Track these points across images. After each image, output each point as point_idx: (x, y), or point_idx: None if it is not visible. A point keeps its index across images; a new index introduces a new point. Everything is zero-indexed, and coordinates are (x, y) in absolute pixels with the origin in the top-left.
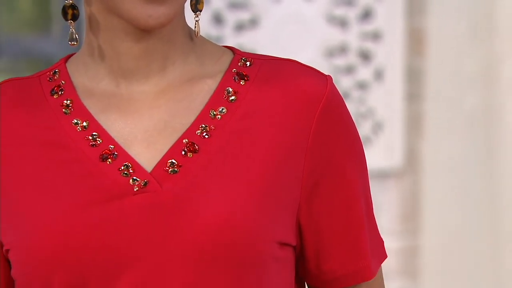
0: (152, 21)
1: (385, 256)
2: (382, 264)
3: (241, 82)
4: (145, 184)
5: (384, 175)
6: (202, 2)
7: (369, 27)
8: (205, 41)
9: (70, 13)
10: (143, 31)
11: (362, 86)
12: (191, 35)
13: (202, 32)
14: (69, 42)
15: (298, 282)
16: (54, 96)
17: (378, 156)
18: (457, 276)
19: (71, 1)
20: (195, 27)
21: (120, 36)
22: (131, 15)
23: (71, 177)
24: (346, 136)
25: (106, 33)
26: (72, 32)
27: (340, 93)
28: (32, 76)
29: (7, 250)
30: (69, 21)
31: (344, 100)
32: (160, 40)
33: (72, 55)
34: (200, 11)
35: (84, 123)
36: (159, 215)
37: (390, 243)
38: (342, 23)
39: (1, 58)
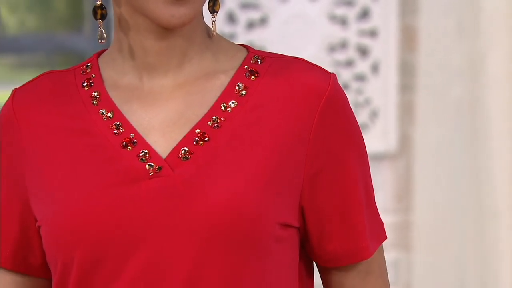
0: (175, 20)
1: (385, 238)
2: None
3: (252, 78)
4: (159, 169)
5: (379, 157)
6: (219, 4)
7: (366, 25)
8: (221, 39)
9: (99, 13)
10: (166, 30)
11: (360, 78)
12: (208, 33)
13: (217, 30)
14: (98, 40)
15: (306, 261)
16: (85, 88)
17: (374, 140)
18: (445, 248)
19: (100, 2)
20: (212, 26)
21: (144, 34)
22: (155, 14)
23: (95, 162)
24: (346, 128)
25: (132, 31)
26: (101, 31)
27: (341, 84)
28: (68, 69)
29: (39, 226)
30: (98, 20)
31: (345, 91)
32: (180, 38)
33: (104, 50)
34: (217, 12)
35: (109, 114)
36: (171, 198)
37: (385, 219)
38: (342, 21)
39: (38, 53)
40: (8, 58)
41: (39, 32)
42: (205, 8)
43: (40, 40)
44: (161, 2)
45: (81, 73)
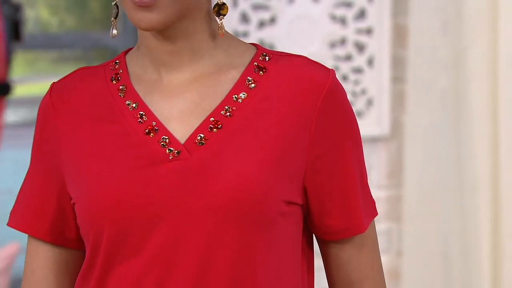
0: (143, 25)
1: (376, 214)
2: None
3: (260, 73)
4: (178, 153)
5: (374, 140)
6: (226, 8)
7: (363, 24)
8: (233, 39)
9: (115, 12)
10: (158, 33)
11: (357, 71)
12: (213, 29)
13: (232, 29)
14: (111, 37)
15: (308, 234)
16: (113, 82)
17: (369, 126)
18: (431, 219)
19: (115, 2)
20: (218, 28)
21: (149, 36)
22: (130, 18)
23: (122, 147)
24: (344, 118)
25: (140, 33)
26: (114, 31)
27: (340, 76)
28: (100, 65)
29: (73, 204)
30: (113, 19)
31: (344, 83)
32: (183, 40)
33: (131, 48)
34: (224, 15)
35: (134, 104)
36: (188, 179)
37: (379, 194)
38: (342, 21)
39: (75, 49)
40: (50, 54)
41: (76, 30)
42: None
43: (78, 38)
44: (132, 8)
45: (110, 69)
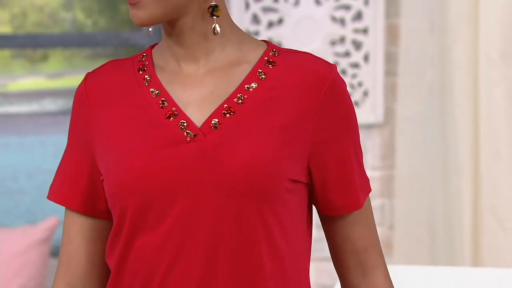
0: (135, 20)
1: (370, 190)
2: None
3: (270, 66)
4: (195, 136)
5: (369, 127)
6: (219, 11)
7: (359, 25)
8: (245, 36)
9: None
10: (164, 31)
11: (354, 66)
12: (225, 33)
13: (244, 29)
14: (149, 33)
15: (309, 211)
16: (140, 72)
17: (365, 114)
18: (419, 196)
19: None
20: (214, 27)
21: (164, 33)
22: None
23: (145, 129)
24: (344, 107)
25: (162, 31)
26: (150, 28)
27: (339, 70)
28: (129, 58)
29: (103, 180)
30: None
31: (343, 76)
32: (189, 36)
33: (157, 43)
34: (217, 16)
35: (157, 92)
36: (203, 158)
37: (374, 174)
38: (341, 22)
39: (107, 47)
40: (85, 51)
41: (108, 30)
42: (239, 11)
43: (109, 37)
44: (129, 7)
45: (138, 61)
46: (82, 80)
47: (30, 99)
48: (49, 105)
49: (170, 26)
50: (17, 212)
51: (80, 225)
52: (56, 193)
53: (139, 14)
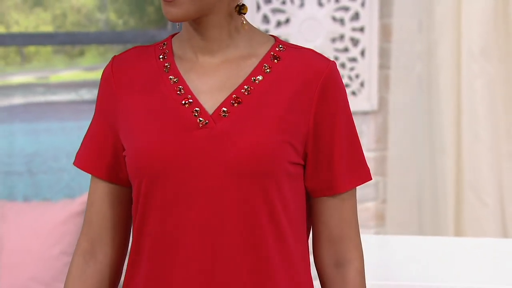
0: (169, 17)
1: (367, 179)
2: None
3: (275, 61)
4: (206, 123)
5: (365, 114)
6: (246, 8)
7: (357, 24)
8: (256, 32)
9: None
10: (190, 25)
11: (352, 60)
12: (238, 28)
13: (256, 27)
14: (178, 28)
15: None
16: (160, 59)
17: (361, 102)
18: (408, 174)
19: None
20: (242, 23)
21: (188, 26)
22: (164, 13)
23: (163, 113)
24: (338, 97)
25: (184, 24)
26: (177, 24)
27: (338, 64)
28: (151, 45)
29: (124, 156)
30: None
31: (342, 70)
32: (211, 31)
33: (177, 33)
34: (244, 13)
35: (175, 79)
36: (213, 143)
37: (369, 155)
38: (341, 21)
39: (136, 43)
40: (117, 47)
41: (137, 29)
42: (251, 12)
43: (138, 35)
44: (163, 3)
45: (159, 49)
46: (109, 62)
47: (69, 89)
48: (86, 94)
49: (197, 22)
50: (58, 188)
51: (103, 190)
52: (83, 161)
53: (174, 11)
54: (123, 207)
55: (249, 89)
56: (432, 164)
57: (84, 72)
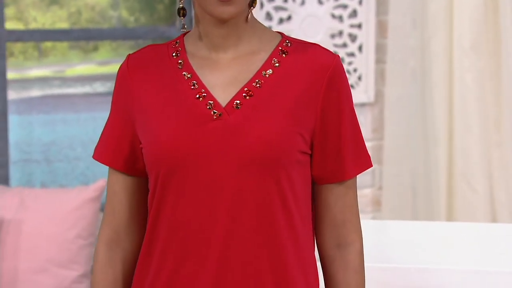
0: (225, 16)
1: (368, 166)
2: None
3: (283, 55)
4: (220, 115)
5: (363, 105)
6: (256, 2)
7: (355, 21)
8: (264, 28)
9: (182, 12)
10: (221, 21)
11: (351, 55)
12: (252, 22)
13: None
14: (181, 29)
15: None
16: (174, 57)
17: (359, 95)
18: (403, 162)
19: (181, 5)
20: (248, 14)
21: (209, 25)
22: (212, 12)
23: (178, 107)
24: (343, 90)
25: (202, 22)
26: (182, 23)
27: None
28: (165, 43)
29: (141, 148)
30: (180, 17)
31: (343, 66)
32: (232, 27)
33: (188, 31)
34: (254, 6)
35: (189, 75)
36: (227, 134)
37: (366, 145)
38: (340, 18)
39: (146, 39)
40: (128, 43)
41: (147, 25)
42: (254, 10)
43: (149, 31)
44: (215, 4)
45: (172, 47)
46: (124, 60)
47: (83, 82)
48: (99, 87)
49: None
50: (73, 175)
51: (123, 181)
52: (101, 155)
53: (231, 10)
54: (142, 196)
55: (260, 82)
56: (425, 153)
57: (98, 66)
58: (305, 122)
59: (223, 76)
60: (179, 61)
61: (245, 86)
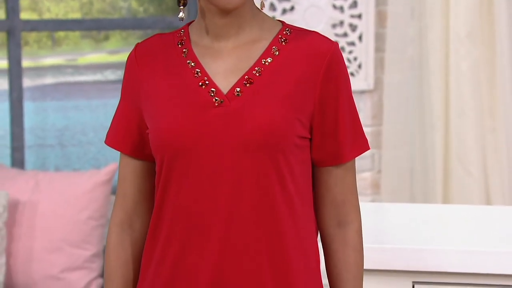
0: (230, 6)
1: (365, 149)
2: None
3: (283, 43)
4: (221, 102)
5: (362, 92)
6: None
7: (355, 11)
8: (265, 17)
9: (182, 2)
10: (224, 11)
11: (351, 44)
12: (254, 11)
13: None
14: (179, 20)
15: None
16: (179, 46)
17: (359, 82)
18: (401, 146)
19: None
20: (261, 5)
21: (212, 14)
22: (218, 2)
23: (182, 94)
24: (341, 75)
25: (206, 12)
26: (181, 14)
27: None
28: (170, 32)
29: (147, 133)
30: (180, 6)
31: (342, 52)
32: (235, 17)
33: (193, 21)
34: None
35: (193, 63)
36: (228, 120)
37: (365, 130)
38: (340, 9)
39: (155, 29)
40: (138, 32)
41: (156, 15)
42: (258, 0)
43: (157, 21)
44: None
45: (177, 36)
46: (133, 49)
47: (95, 70)
48: (110, 75)
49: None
50: (86, 159)
51: (133, 165)
52: (112, 140)
53: (235, 0)
54: (152, 179)
55: (260, 70)
56: (422, 138)
57: (109, 55)
58: (304, 108)
59: (225, 64)
60: (184, 50)
61: (245, 74)
